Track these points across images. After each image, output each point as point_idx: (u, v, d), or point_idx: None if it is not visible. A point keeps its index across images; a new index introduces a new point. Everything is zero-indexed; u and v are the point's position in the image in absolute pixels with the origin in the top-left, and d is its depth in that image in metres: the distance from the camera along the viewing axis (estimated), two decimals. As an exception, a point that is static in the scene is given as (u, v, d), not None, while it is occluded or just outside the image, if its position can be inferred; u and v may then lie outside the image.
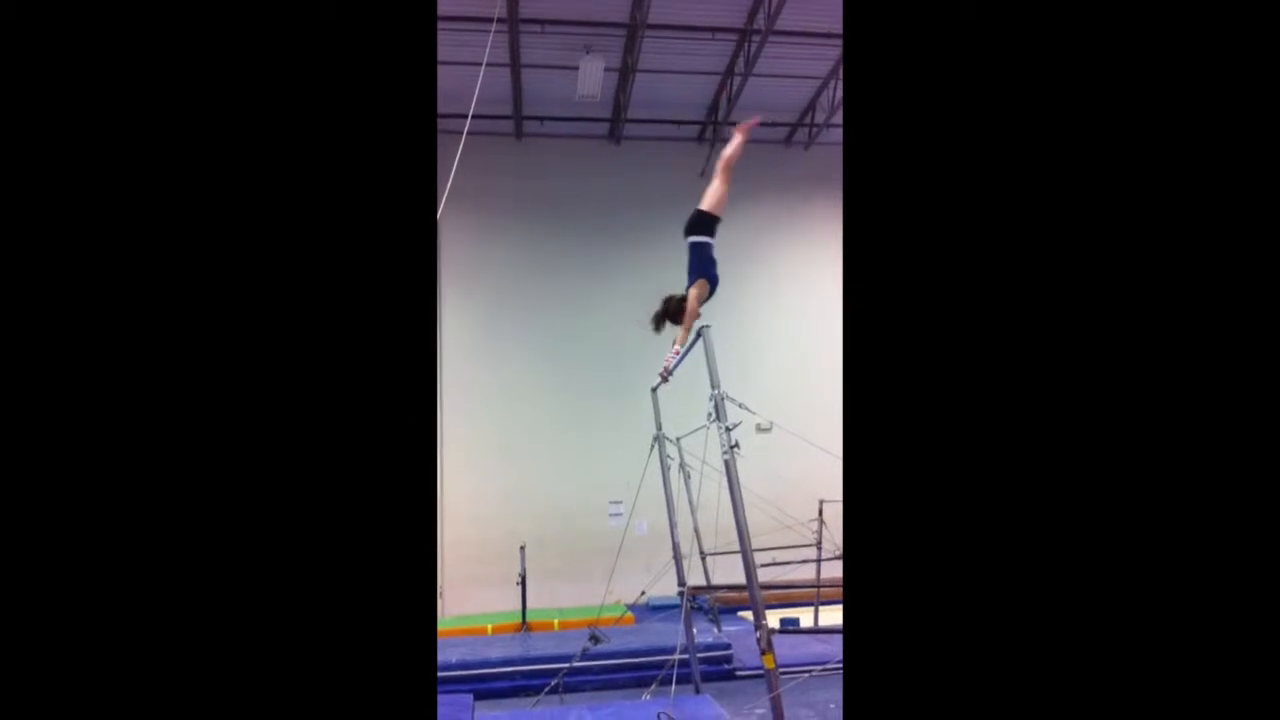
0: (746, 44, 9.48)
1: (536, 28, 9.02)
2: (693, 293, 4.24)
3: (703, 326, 3.87)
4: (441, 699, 4.57)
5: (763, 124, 11.17)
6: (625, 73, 9.93)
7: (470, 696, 4.54)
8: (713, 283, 4.31)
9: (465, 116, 4.83)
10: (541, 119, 10.79)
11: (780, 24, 8.98)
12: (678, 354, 4.22)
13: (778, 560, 7.95)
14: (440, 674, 5.63)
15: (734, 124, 10.69)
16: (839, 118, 11.14)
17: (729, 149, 4.49)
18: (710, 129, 11.20)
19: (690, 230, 4.38)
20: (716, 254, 4.39)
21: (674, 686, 4.69)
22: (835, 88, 10.55)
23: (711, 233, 4.39)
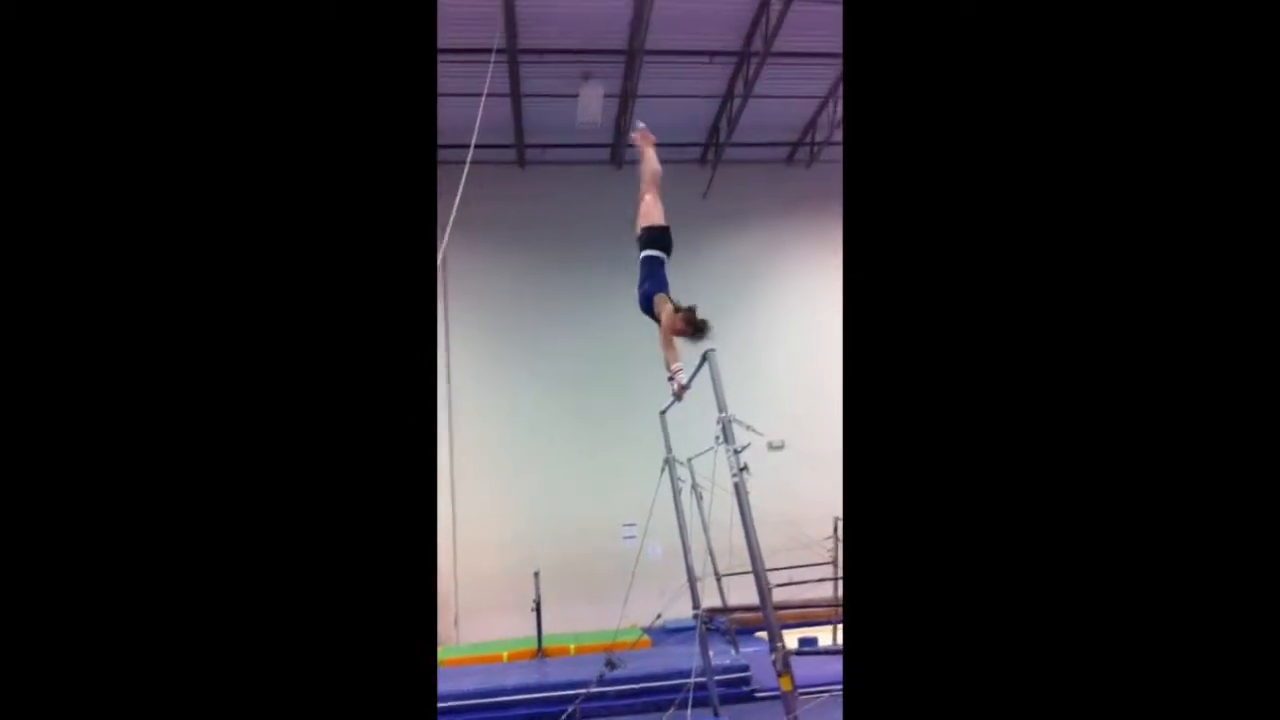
0: (745, 66, 9.57)
1: (535, 57, 9.13)
2: (667, 308, 4.19)
3: (708, 350, 3.89)
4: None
5: (765, 144, 11.30)
6: (625, 98, 10.03)
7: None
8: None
9: (467, 147, 4.89)
10: (543, 146, 10.89)
11: (778, 45, 9.05)
12: (680, 369, 4.20)
13: (794, 580, 7.91)
14: (455, 703, 5.61)
15: (739, 144, 10.79)
16: (840, 135, 11.20)
17: (646, 164, 4.42)
18: (712, 150, 11.28)
19: (646, 245, 4.32)
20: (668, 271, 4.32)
21: (690, 710, 4.66)
22: (835, 106, 10.61)
23: (665, 247, 4.40)
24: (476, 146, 5.14)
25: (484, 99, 5.42)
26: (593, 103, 9.51)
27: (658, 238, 4.35)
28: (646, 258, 4.32)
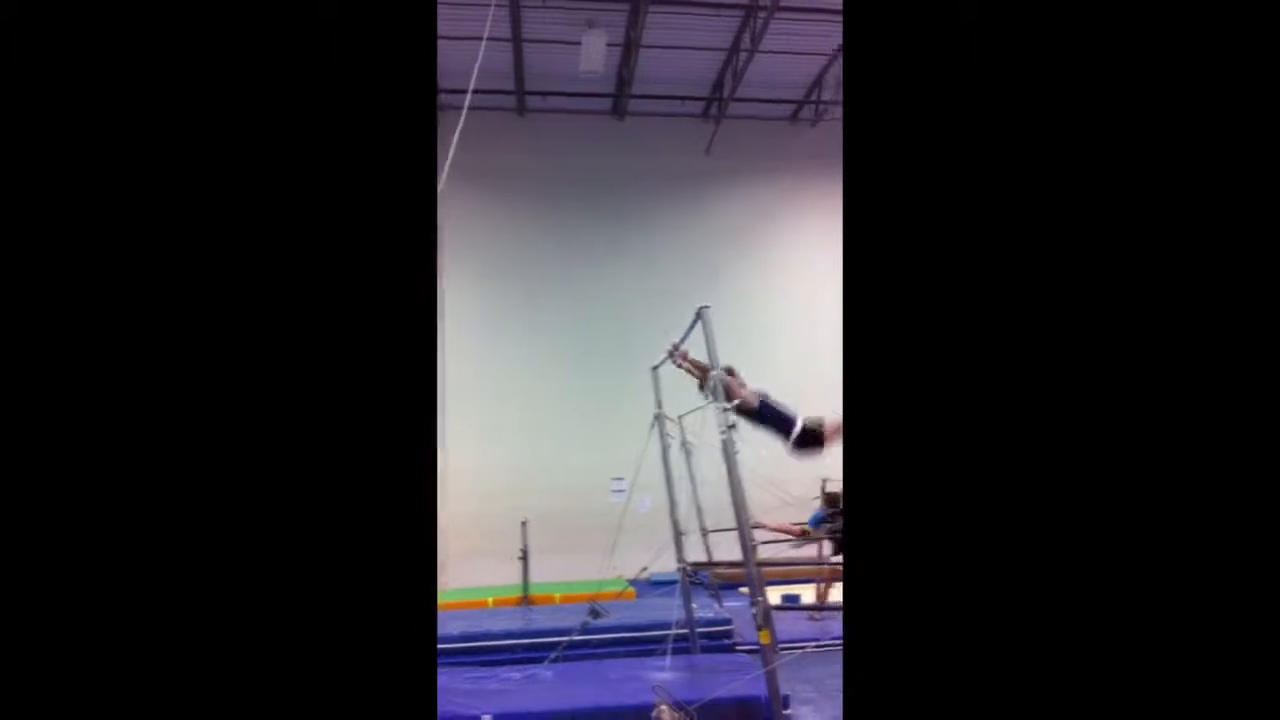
0: (752, 19, 9.38)
1: (538, 1, 8.94)
2: (746, 392, 4.13)
3: (702, 307, 3.88)
4: (442, 672, 4.62)
5: (770, 100, 11.15)
6: (629, 48, 9.85)
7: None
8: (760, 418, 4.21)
9: (466, 91, 4.80)
10: (544, 94, 10.72)
11: (785, 0, 8.89)
12: (692, 361, 4.22)
13: (780, 538, 8.01)
14: (441, 645, 5.70)
15: (743, 99, 10.64)
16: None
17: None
18: (715, 105, 11.12)
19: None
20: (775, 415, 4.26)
21: (669, 660, 4.75)
22: (841, 64, 10.44)
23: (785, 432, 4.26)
24: (475, 92, 5.03)
25: (484, 42, 5.31)
26: (596, 51, 9.33)
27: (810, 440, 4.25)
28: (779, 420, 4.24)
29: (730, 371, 4.11)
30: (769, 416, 4.25)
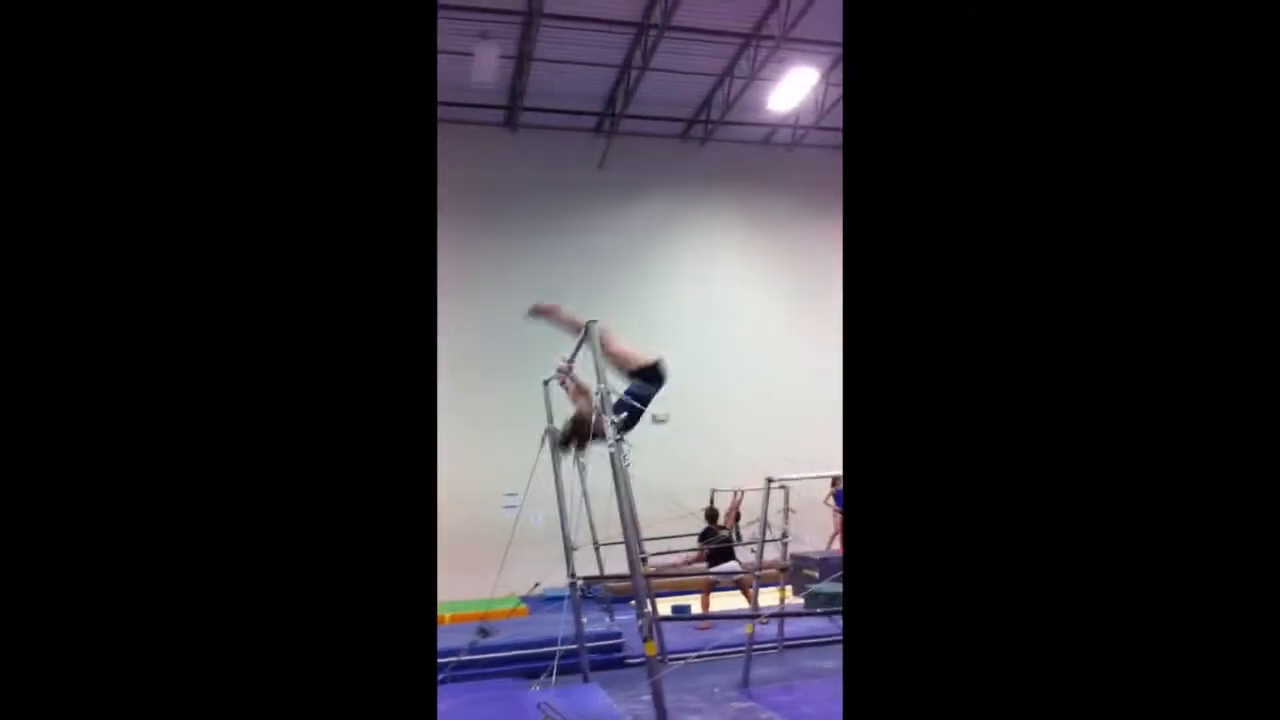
0: (644, 38, 9.53)
1: (430, 11, 8.82)
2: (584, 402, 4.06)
3: (589, 321, 3.90)
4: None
5: (661, 119, 11.36)
6: (521, 61, 9.83)
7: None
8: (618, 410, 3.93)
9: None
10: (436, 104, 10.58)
11: (676, 20, 9.07)
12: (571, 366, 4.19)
13: (673, 549, 8.09)
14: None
15: (634, 116, 10.77)
16: (734, 115, 11.36)
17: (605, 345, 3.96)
18: (607, 121, 11.22)
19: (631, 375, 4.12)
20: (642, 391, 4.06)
21: (555, 677, 4.72)
22: (730, 85, 10.73)
23: (648, 378, 4.10)
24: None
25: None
26: (488, 63, 9.27)
27: (648, 373, 4.11)
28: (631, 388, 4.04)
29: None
30: (646, 383, 4.20)
